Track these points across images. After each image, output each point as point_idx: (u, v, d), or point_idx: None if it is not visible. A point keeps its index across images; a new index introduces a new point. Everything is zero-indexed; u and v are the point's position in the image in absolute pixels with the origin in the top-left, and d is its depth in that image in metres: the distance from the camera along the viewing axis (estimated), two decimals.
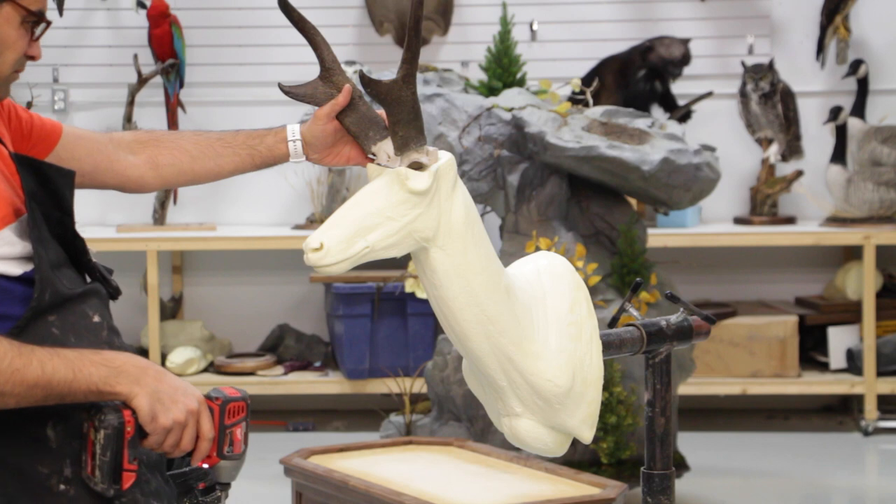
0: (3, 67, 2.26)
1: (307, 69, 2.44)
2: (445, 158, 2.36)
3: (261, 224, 6.24)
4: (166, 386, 2.13)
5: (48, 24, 2.29)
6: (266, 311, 6.43)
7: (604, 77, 5.92)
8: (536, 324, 2.43)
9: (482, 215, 5.06)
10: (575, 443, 2.56)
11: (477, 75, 5.43)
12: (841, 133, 6.09)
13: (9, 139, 2.34)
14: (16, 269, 2.18)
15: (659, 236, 5.78)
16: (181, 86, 6.19)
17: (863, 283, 5.94)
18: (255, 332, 6.40)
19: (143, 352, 5.88)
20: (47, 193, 2.24)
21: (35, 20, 2.27)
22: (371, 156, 2.41)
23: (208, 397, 2.21)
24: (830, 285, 6.30)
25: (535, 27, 6.38)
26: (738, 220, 6.27)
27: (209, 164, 2.58)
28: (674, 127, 4.98)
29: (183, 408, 2.14)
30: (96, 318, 2.24)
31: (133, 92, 6.12)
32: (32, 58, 2.29)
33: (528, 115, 4.80)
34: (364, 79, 2.29)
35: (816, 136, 6.30)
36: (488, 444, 4.26)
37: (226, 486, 2.42)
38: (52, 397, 2.08)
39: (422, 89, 4.89)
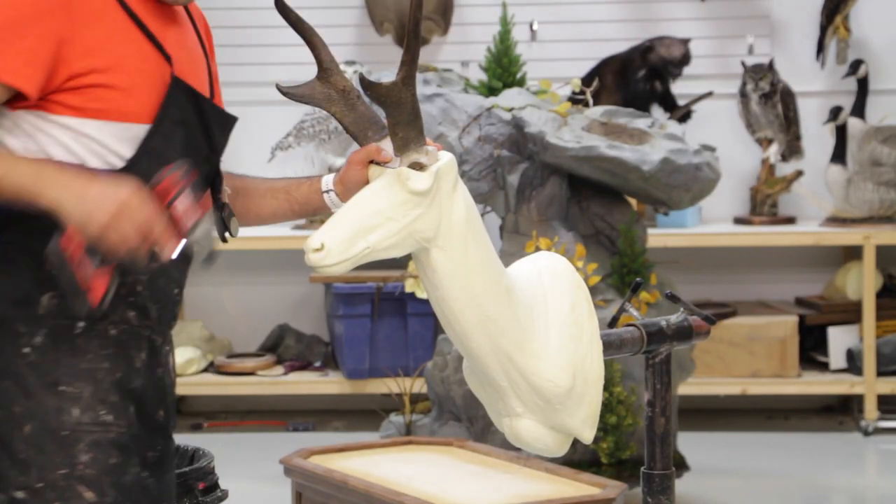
0: None
1: (306, 69, 2.44)
2: (446, 159, 2.36)
3: None
4: (95, 187, 2.15)
5: None
6: (266, 311, 6.43)
7: (604, 77, 5.92)
8: (537, 324, 2.43)
9: (482, 215, 5.05)
10: (575, 443, 2.56)
11: (477, 75, 5.43)
12: (841, 133, 6.09)
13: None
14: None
15: (659, 236, 5.78)
16: None
17: (863, 283, 5.94)
18: (255, 332, 6.40)
19: None
20: (202, 127, 2.30)
21: None
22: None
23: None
24: (830, 285, 6.30)
25: (535, 27, 6.39)
26: (738, 220, 6.27)
27: (251, 203, 2.58)
28: (674, 127, 4.98)
29: (112, 201, 2.13)
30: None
31: None
32: None
33: (528, 115, 4.80)
34: (363, 81, 2.29)
35: (816, 136, 6.30)
36: (488, 444, 4.26)
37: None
38: None
39: (422, 89, 4.89)
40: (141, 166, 2.23)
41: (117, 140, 2.24)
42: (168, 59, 2.28)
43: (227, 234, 2.43)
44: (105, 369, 2.25)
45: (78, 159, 2.23)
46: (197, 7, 2.46)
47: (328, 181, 2.53)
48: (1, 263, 2.25)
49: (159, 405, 2.34)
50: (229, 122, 2.39)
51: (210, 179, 2.40)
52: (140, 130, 2.25)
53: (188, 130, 2.30)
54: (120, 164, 2.24)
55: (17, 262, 2.23)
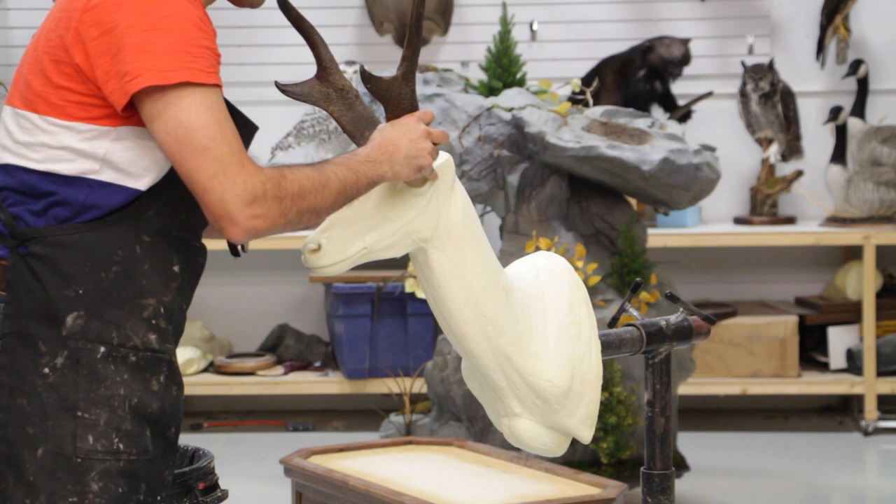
0: None
1: (306, 69, 2.44)
2: (443, 158, 2.36)
3: None
4: (402, 144, 2.31)
5: None
6: (266, 311, 6.43)
7: (604, 77, 5.92)
8: (535, 324, 2.43)
9: (482, 215, 5.06)
10: (575, 443, 2.56)
11: (477, 75, 5.43)
12: (841, 133, 6.08)
13: None
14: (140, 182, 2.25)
15: (659, 236, 5.78)
16: None
17: (863, 283, 5.93)
18: (255, 332, 6.40)
19: None
20: None
21: None
22: None
23: None
24: (830, 285, 6.29)
25: (535, 27, 6.38)
26: (738, 220, 6.27)
27: None
28: (674, 127, 4.98)
29: (421, 147, 2.32)
30: (176, 268, 2.29)
31: None
32: None
33: (528, 115, 4.80)
34: (364, 75, 2.29)
35: (816, 136, 6.30)
36: (488, 444, 4.26)
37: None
38: (347, 199, 2.28)
39: (422, 89, 4.89)
40: (177, 178, 2.23)
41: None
42: None
43: (239, 249, 2.42)
44: (121, 396, 2.23)
45: (142, 168, 2.24)
46: None
47: None
48: (26, 279, 2.23)
49: (171, 423, 2.32)
50: (252, 130, 2.39)
51: None
52: None
53: None
54: (163, 169, 2.25)
55: (42, 279, 2.22)
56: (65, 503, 2.20)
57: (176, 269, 2.29)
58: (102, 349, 2.22)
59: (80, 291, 2.21)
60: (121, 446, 2.22)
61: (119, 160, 2.22)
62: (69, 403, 2.20)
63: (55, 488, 2.20)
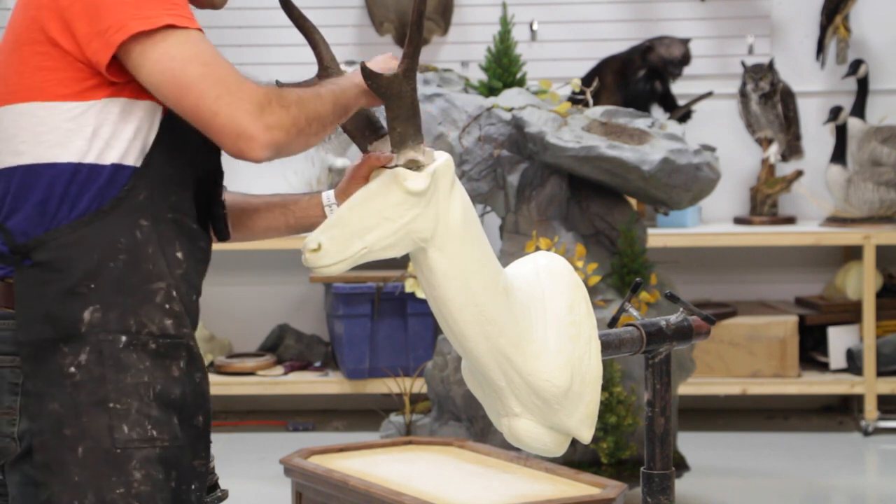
0: None
1: (306, 69, 2.44)
2: (443, 159, 2.36)
3: None
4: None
5: None
6: (266, 311, 6.43)
7: (604, 77, 5.92)
8: (535, 324, 2.43)
9: (482, 215, 5.06)
10: (575, 443, 2.56)
11: (477, 75, 5.43)
12: (841, 133, 6.08)
13: None
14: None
15: (659, 236, 5.78)
16: None
17: (863, 283, 5.93)
18: (255, 332, 6.40)
19: None
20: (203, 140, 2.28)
21: None
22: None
23: None
24: (830, 285, 6.29)
25: (535, 27, 6.38)
26: (738, 220, 6.27)
27: (244, 218, 2.58)
28: (674, 127, 4.98)
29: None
30: (179, 254, 2.29)
31: None
32: None
33: (528, 115, 4.80)
34: (365, 71, 2.28)
35: (816, 136, 6.30)
36: (488, 444, 4.26)
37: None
38: (342, 108, 2.30)
39: (422, 89, 4.89)
40: (161, 157, 2.24)
41: (152, 125, 2.24)
42: None
43: (229, 229, 2.42)
44: (145, 383, 2.22)
45: (129, 141, 2.23)
46: None
47: (329, 196, 2.54)
48: (35, 288, 2.22)
49: (198, 411, 2.31)
50: None
51: (214, 175, 2.39)
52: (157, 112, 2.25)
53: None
54: (148, 147, 2.24)
55: (51, 283, 2.21)
56: (112, 496, 2.19)
57: (179, 255, 2.28)
58: (124, 338, 2.22)
59: (93, 286, 2.21)
60: (154, 433, 2.22)
61: (106, 134, 2.21)
62: (100, 397, 2.20)
63: (101, 483, 2.19)
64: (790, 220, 6.21)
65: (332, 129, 2.30)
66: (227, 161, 2.40)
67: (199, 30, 2.20)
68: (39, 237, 2.22)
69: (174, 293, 2.28)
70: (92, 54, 2.17)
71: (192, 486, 2.29)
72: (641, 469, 2.65)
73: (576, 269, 2.44)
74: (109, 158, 2.22)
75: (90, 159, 2.21)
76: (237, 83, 2.16)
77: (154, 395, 2.23)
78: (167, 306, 2.27)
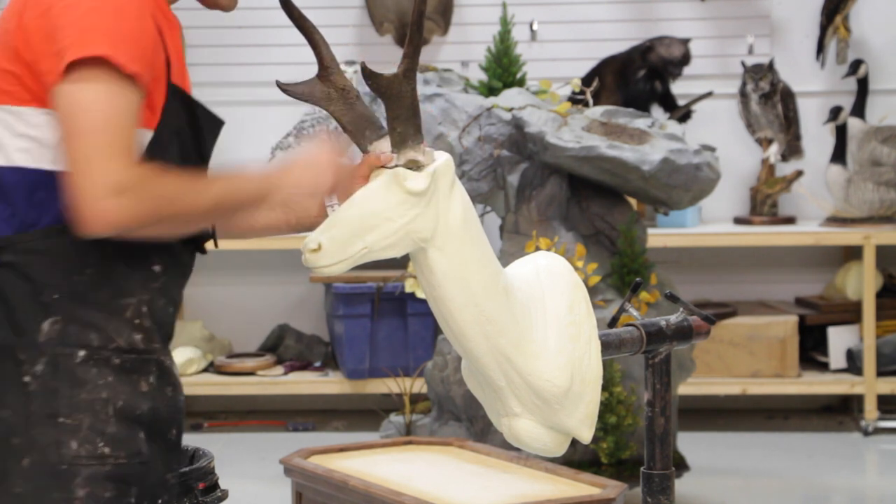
0: None
1: (306, 69, 2.44)
2: (443, 159, 2.36)
3: None
4: (299, 166, 2.32)
5: None
6: (266, 311, 6.43)
7: (604, 77, 5.92)
8: (535, 324, 2.43)
9: (482, 215, 5.06)
10: (575, 443, 2.56)
11: (477, 75, 5.43)
12: (841, 133, 6.08)
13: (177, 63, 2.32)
14: None
15: (659, 236, 5.78)
16: None
17: (863, 283, 5.93)
18: (255, 332, 6.40)
19: None
20: (193, 134, 2.26)
21: None
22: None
23: None
24: (830, 285, 6.29)
25: (535, 27, 6.38)
26: (738, 220, 6.27)
27: (244, 215, 2.54)
28: (674, 127, 4.98)
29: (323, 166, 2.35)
30: (156, 268, 2.27)
31: None
32: None
33: (528, 115, 4.80)
34: (365, 71, 2.28)
35: (816, 136, 6.30)
36: (488, 444, 4.26)
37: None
38: (231, 212, 2.29)
39: (422, 89, 4.89)
40: None
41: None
42: (168, 63, 2.25)
43: (213, 239, 2.39)
44: (103, 399, 2.19)
45: None
46: None
47: (331, 196, 2.52)
48: (1, 286, 2.19)
49: (171, 425, 2.29)
50: (218, 126, 2.36)
51: None
52: (146, 136, 2.22)
53: (182, 140, 2.27)
54: None
55: (15, 287, 2.18)
56: None
57: (157, 269, 2.25)
58: (82, 353, 2.19)
59: (55, 297, 2.18)
60: (106, 450, 2.19)
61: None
62: (51, 410, 2.17)
63: (41, 498, 2.16)
64: (790, 220, 6.21)
65: (209, 223, 2.30)
66: (229, 153, 2.40)
67: (133, 75, 2.14)
68: (9, 237, 2.19)
69: (144, 308, 2.24)
70: (45, 73, 2.16)
71: (159, 501, 2.26)
72: (641, 469, 2.64)
73: (576, 269, 2.43)
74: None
75: (63, 167, 2.16)
76: (108, 157, 2.09)
77: (114, 411, 2.20)
78: (136, 321, 2.23)
